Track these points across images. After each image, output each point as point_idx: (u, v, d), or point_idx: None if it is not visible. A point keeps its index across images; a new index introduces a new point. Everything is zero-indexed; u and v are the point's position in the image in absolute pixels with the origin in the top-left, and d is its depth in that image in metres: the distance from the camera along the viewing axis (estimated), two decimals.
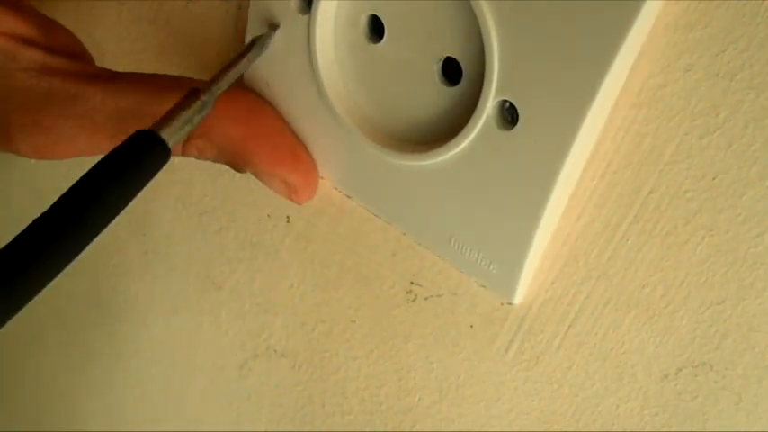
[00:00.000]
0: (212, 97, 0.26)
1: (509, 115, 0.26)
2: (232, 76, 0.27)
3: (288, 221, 0.36)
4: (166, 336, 0.47)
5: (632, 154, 0.25)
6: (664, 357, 0.28)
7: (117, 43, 0.38)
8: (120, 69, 0.31)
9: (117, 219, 0.22)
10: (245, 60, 0.28)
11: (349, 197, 0.33)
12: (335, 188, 0.33)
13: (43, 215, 0.21)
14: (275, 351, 0.41)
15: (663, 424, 0.29)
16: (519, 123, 0.25)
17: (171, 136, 0.24)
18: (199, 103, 0.25)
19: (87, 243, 0.22)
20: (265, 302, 0.40)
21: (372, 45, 0.28)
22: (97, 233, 0.22)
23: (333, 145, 0.31)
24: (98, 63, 0.33)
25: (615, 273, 0.27)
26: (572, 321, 0.29)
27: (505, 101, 0.25)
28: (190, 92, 0.25)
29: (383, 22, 0.27)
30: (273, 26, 0.29)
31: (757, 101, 0.23)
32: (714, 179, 0.24)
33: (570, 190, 0.27)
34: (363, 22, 0.28)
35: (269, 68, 0.31)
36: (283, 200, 0.32)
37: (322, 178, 0.33)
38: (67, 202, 0.21)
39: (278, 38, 0.30)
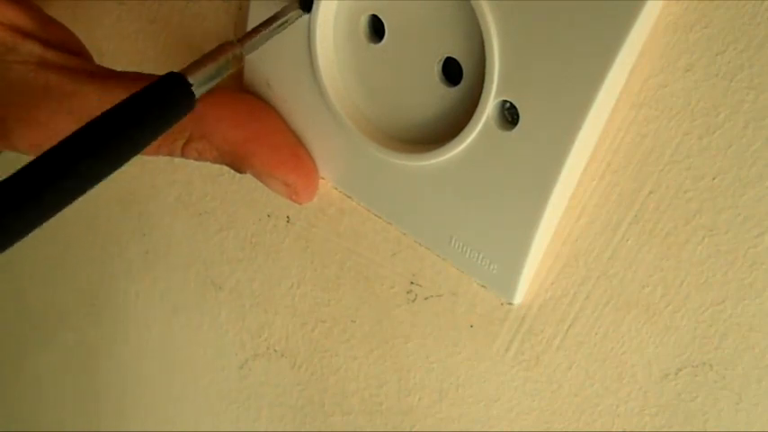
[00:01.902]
0: (243, 53, 0.26)
1: (509, 115, 0.26)
2: (265, 36, 0.26)
3: (288, 221, 0.36)
4: (166, 336, 0.47)
5: (632, 154, 0.25)
6: (664, 357, 0.28)
7: (117, 43, 0.38)
8: (119, 69, 0.31)
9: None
10: (278, 23, 0.27)
11: (349, 197, 0.33)
12: (335, 188, 0.33)
13: (57, 146, 0.21)
14: (275, 351, 0.41)
15: (663, 424, 0.29)
16: (519, 124, 0.25)
17: (198, 83, 0.24)
18: (230, 55, 0.25)
19: (94, 180, 0.21)
20: (265, 302, 0.40)
21: (373, 45, 0.28)
22: (107, 171, 0.22)
23: (333, 145, 0.31)
24: (97, 62, 0.33)
25: (615, 273, 0.27)
26: (572, 321, 0.29)
27: (506, 101, 0.25)
28: (222, 44, 0.25)
29: (383, 22, 0.27)
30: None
31: (757, 101, 0.23)
32: (714, 179, 0.24)
33: (570, 190, 0.27)
34: (363, 22, 0.28)
35: (269, 69, 0.31)
36: (283, 200, 0.32)
37: (322, 178, 0.33)
38: (83, 136, 0.21)
39: (278, 38, 0.30)
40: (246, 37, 0.26)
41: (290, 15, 0.27)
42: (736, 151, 0.24)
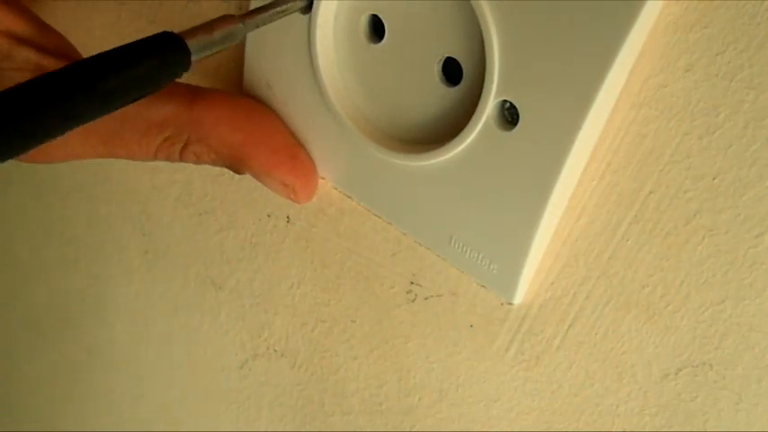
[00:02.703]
0: (244, 29, 0.25)
1: (509, 115, 0.26)
2: (268, 16, 0.26)
3: (288, 221, 0.36)
4: (166, 336, 0.47)
5: (632, 154, 0.25)
6: (664, 357, 0.28)
7: (117, 43, 0.38)
8: None
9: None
10: (284, 6, 0.27)
11: (349, 197, 0.33)
12: (335, 188, 0.33)
13: (41, 78, 0.20)
14: (275, 351, 0.41)
15: (663, 424, 0.29)
16: (519, 124, 0.25)
17: (194, 47, 0.24)
18: (230, 28, 0.25)
19: (76, 123, 0.21)
20: (265, 302, 0.40)
21: (373, 45, 0.28)
22: (88, 118, 0.21)
23: (333, 145, 0.31)
24: None
25: (615, 273, 0.27)
26: (572, 321, 0.29)
27: (506, 101, 0.25)
28: (223, 16, 0.25)
29: (383, 21, 0.27)
30: None
31: (757, 101, 0.23)
32: (714, 179, 0.24)
33: (570, 190, 0.27)
34: (364, 22, 0.28)
35: (269, 69, 0.31)
36: (283, 200, 0.32)
37: (322, 178, 0.33)
38: (69, 74, 0.21)
39: (278, 38, 0.30)
40: (248, 14, 0.26)
41: (292, 4, 0.27)
42: (736, 151, 0.24)
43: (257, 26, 0.26)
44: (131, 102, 0.22)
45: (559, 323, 0.29)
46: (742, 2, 0.22)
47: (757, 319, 0.25)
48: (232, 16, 0.25)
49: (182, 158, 0.30)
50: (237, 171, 0.31)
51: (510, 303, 0.30)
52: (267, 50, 0.31)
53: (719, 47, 0.23)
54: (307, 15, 0.28)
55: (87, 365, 0.55)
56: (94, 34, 0.38)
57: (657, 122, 0.25)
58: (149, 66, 0.22)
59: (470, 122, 0.26)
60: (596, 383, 0.30)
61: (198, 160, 0.30)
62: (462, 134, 0.26)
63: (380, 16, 0.27)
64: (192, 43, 0.23)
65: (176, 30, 0.23)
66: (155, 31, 0.36)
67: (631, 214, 0.26)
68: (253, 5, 0.30)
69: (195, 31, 0.24)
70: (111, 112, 0.22)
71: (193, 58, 0.23)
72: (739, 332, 0.26)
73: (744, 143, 0.23)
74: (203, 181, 0.39)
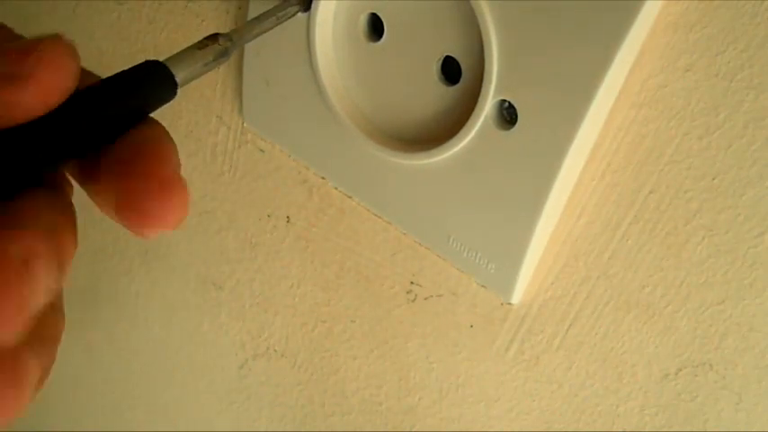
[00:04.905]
0: (232, 46, 0.25)
1: (508, 115, 0.26)
2: (257, 30, 0.26)
3: (288, 221, 0.36)
4: (166, 336, 0.47)
5: (632, 154, 0.25)
6: (664, 357, 0.28)
7: (116, 43, 0.38)
8: (118, 69, 0.31)
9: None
10: (272, 19, 0.27)
11: (349, 197, 0.33)
12: (335, 188, 0.33)
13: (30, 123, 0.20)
14: (275, 351, 0.41)
15: (663, 424, 0.29)
16: (518, 123, 0.25)
17: (180, 71, 0.23)
18: (216, 46, 0.25)
19: (62, 159, 0.20)
20: (265, 302, 0.40)
21: (372, 44, 0.28)
22: (74, 154, 0.21)
23: (332, 144, 0.31)
24: (96, 63, 0.33)
25: (615, 273, 0.27)
26: (572, 321, 0.29)
27: (504, 100, 0.25)
28: (209, 36, 0.25)
29: (383, 20, 0.27)
30: None
31: (757, 101, 0.23)
32: (714, 179, 0.24)
33: (569, 190, 0.27)
34: (363, 21, 0.28)
35: (268, 67, 0.31)
36: (283, 200, 0.32)
37: (322, 178, 0.33)
38: (56, 115, 0.20)
39: (277, 36, 0.29)
40: (237, 30, 0.26)
41: (285, 12, 0.27)
42: (736, 151, 0.24)
43: (248, 41, 0.26)
44: (111, 138, 0.21)
45: (559, 323, 0.29)
46: (742, 2, 0.22)
47: (757, 319, 0.25)
48: (221, 35, 0.25)
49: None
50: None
51: (508, 303, 0.30)
52: (266, 49, 0.31)
53: (719, 47, 0.23)
54: (306, 14, 0.28)
55: (87, 365, 0.55)
56: (95, 34, 0.38)
57: (657, 122, 0.25)
58: (132, 104, 0.22)
59: (469, 121, 0.26)
60: (596, 383, 0.30)
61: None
62: (461, 133, 0.26)
63: (380, 15, 0.27)
64: (178, 71, 0.23)
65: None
66: (155, 31, 0.36)
67: (631, 214, 0.26)
68: (252, 6, 0.30)
69: (182, 56, 0.23)
70: (89, 153, 0.21)
71: (180, 86, 0.23)
72: (739, 332, 0.26)
73: (744, 143, 0.23)
74: (203, 181, 0.39)
